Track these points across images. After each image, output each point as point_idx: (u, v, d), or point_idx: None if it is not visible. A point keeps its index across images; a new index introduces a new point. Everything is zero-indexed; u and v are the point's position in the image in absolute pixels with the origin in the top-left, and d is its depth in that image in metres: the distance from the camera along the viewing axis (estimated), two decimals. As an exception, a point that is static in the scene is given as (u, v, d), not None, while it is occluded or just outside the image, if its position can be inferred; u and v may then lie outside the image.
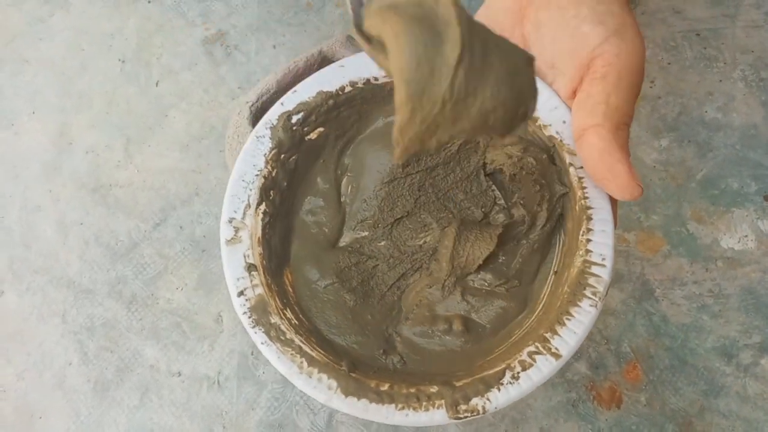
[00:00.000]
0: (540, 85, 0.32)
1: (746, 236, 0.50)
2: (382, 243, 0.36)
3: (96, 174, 0.53)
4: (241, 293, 0.31)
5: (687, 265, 0.49)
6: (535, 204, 0.33)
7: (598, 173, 0.29)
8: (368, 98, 0.35)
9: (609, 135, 0.29)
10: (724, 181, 0.51)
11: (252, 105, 0.49)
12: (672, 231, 0.50)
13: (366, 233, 0.36)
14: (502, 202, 0.36)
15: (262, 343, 0.30)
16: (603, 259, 0.30)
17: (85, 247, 0.51)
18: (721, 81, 0.54)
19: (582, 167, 0.31)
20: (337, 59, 0.50)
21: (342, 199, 0.36)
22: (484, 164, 0.36)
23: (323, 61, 0.51)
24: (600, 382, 0.46)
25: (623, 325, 0.48)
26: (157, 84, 0.56)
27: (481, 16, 0.36)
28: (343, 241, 0.36)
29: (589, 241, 0.31)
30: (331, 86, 0.35)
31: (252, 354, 0.47)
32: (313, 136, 0.35)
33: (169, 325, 0.48)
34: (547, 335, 0.30)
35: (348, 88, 0.34)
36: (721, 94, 0.54)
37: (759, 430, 0.45)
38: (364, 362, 0.32)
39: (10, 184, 0.53)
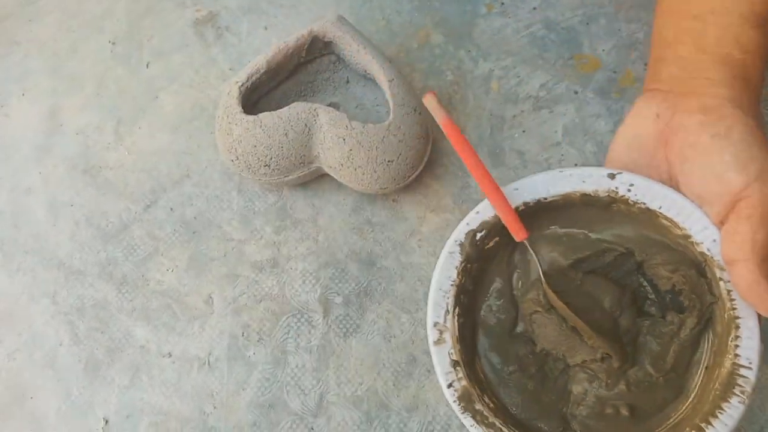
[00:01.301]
0: (691, 206, 0.37)
1: None
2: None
3: (86, 156, 0.53)
4: (450, 385, 0.38)
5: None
6: (686, 311, 0.38)
7: (747, 299, 0.34)
8: (533, 214, 0.40)
9: (756, 269, 0.33)
10: None
11: (242, 85, 0.48)
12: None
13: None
14: (653, 296, 0.41)
15: (471, 426, 0.37)
16: (750, 362, 0.35)
17: (76, 229, 0.51)
18: None
19: (730, 281, 0.36)
20: (328, 39, 0.50)
21: (513, 292, 0.42)
22: (638, 266, 0.40)
23: (314, 41, 0.50)
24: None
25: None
26: (147, 66, 0.56)
27: (620, 135, 0.40)
28: (518, 329, 0.42)
29: (737, 346, 0.36)
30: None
31: (242, 335, 0.47)
32: (490, 244, 0.41)
33: (159, 306, 0.48)
34: (703, 425, 0.35)
35: (521, 207, 0.39)
36: None
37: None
38: None
39: (0, 166, 0.53)
